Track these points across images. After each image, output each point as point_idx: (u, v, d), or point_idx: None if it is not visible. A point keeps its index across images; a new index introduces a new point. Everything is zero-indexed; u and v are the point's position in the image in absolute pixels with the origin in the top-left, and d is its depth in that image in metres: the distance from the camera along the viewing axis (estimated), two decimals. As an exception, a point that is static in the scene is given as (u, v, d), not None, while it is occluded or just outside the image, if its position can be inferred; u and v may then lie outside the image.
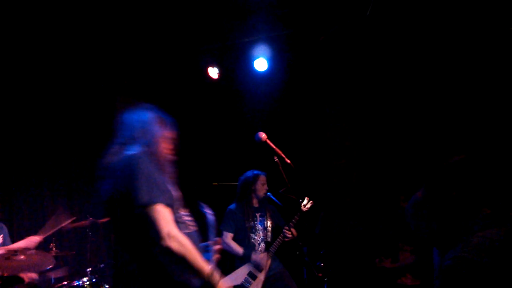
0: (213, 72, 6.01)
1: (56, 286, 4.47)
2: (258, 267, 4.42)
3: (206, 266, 2.14)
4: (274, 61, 5.93)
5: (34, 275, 4.41)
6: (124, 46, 5.70)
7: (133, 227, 2.14)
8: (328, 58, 6.09)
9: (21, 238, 4.51)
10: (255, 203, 4.72)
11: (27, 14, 4.73)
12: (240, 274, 4.41)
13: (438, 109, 5.82)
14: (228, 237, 4.58)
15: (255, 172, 4.67)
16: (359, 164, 6.45)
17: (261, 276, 4.39)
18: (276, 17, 5.18)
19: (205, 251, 3.01)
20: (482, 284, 1.46)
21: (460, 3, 4.85)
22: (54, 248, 4.61)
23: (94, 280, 4.52)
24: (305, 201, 4.53)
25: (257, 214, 4.69)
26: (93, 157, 5.88)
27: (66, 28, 5.10)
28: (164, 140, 2.45)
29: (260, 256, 4.46)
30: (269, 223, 4.69)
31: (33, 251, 4.16)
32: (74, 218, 4.64)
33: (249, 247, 4.55)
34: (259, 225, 4.66)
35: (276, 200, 4.53)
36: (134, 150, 2.25)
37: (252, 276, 4.40)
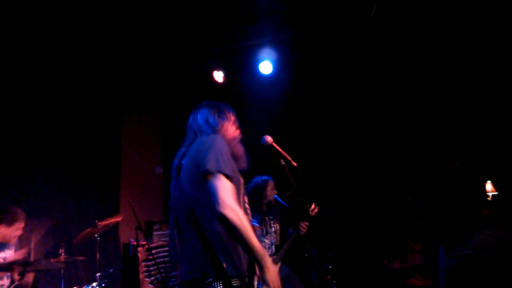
0: (219, 76, 6.02)
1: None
2: None
3: (259, 246, 2.15)
4: (279, 64, 5.93)
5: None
6: (130, 51, 5.73)
7: (199, 196, 2.21)
8: (333, 61, 6.09)
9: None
10: (264, 207, 4.72)
11: (32, 17, 4.78)
12: None
13: (443, 109, 5.81)
14: None
15: (264, 177, 4.66)
16: (366, 165, 6.43)
17: None
18: (280, 20, 5.19)
19: None
20: (487, 281, 1.46)
21: (462, 7, 4.84)
22: (63, 254, 4.63)
23: (103, 285, 4.54)
24: (312, 207, 4.52)
25: (266, 218, 4.69)
26: (100, 163, 6.00)
27: (71, 32, 5.15)
28: (227, 123, 2.55)
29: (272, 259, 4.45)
30: (278, 227, 4.69)
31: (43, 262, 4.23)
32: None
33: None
34: (269, 229, 4.66)
35: (283, 202, 4.52)
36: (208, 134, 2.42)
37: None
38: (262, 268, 2.17)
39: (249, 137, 2.77)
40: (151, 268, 5.30)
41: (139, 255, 5.29)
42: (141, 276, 5.25)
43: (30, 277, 4.36)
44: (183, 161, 2.39)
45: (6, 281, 4.21)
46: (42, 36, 5.12)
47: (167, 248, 5.33)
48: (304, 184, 3.49)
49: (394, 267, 5.31)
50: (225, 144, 2.31)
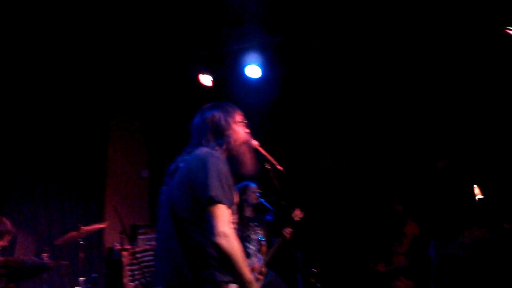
0: (207, 80, 6.01)
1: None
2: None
3: (248, 273, 2.17)
4: (267, 68, 5.93)
5: None
6: (117, 55, 5.70)
7: (189, 217, 2.21)
8: (321, 64, 6.11)
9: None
10: (250, 212, 4.72)
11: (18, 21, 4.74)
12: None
13: (430, 113, 5.86)
14: None
15: (244, 183, 4.67)
16: (352, 168, 6.47)
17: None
18: (268, 24, 5.20)
19: None
20: (471, 278, 1.50)
21: (450, 8, 4.89)
22: (46, 258, 4.57)
23: (87, 289, 4.49)
24: (296, 212, 4.53)
25: (252, 224, 4.69)
26: (86, 167, 5.95)
27: (57, 36, 5.10)
28: (236, 127, 2.51)
29: (255, 266, 4.45)
30: (263, 234, 4.70)
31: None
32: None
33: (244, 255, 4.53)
34: (254, 235, 4.66)
35: (269, 206, 4.53)
36: (207, 149, 2.36)
37: None
38: None
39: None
40: (135, 273, 5.26)
41: (124, 259, 5.24)
42: (125, 280, 5.20)
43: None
44: (180, 165, 2.37)
45: None
46: (27, 40, 5.07)
47: (152, 252, 5.30)
48: (289, 188, 3.50)
49: (378, 270, 5.34)
50: (223, 165, 2.28)
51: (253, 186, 4.70)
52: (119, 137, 6.52)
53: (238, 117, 2.56)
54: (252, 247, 4.61)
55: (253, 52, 5.66)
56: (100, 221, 5.99)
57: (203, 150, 2.35)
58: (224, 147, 2.43)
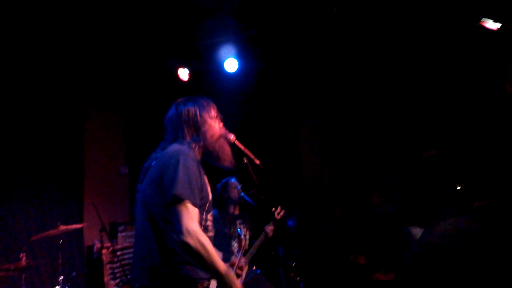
0: (184, 74, 5.98)
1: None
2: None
3: (221, 266, 2.16)
4: (244, 62, 5.93)
5: None
6: (94, 48, 5.62)
7: (162, 215, 2.19)
8: (299, 57, 6.12)
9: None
10: (235, 210, 4.70)
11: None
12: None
13: (410, 107, 5.92)
14: None
15: (223, 180, 4.65)
16: (331, 162, 6.50)
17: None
18: (244, 17, 5.18)
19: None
20: (449, 268, 1.51)
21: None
22: (24, 258, 4.50)
23: (66, 288, 4.44)
24: (278, 209, 4.53)
25: (238, 222, 4.68)
26: (63, 163, 5.87)
27: (35, 27, 5.01)
28: (212, 122, 2.49)
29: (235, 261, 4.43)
30: (247, 231, 4.68)
31: None
32: None
33: (229, 253, 4.53)
34: (239, 232, 4.65)
35: (250, 200, 4.52)
36: (181, 145, 2.33)
37: None
38: (228, 285, 2.19)
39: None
40: (116, 271, 5.22)
41: (104, 257, 5.19)
42: (106, 278, 5.16)
43: None
44: (152, 164, 2.36)
45: None
46: (4, 30, 4.96)
47: (132, 250, 5.26)
48: (268, 182, 3.50)
49: (359, 263, 5.38)
50: (194, 162, 2.26)
51: (233, 181, 4.69)
52: (96, 133, 6.43)
53: (213, 111, 2.53)
54: (236, 245, 4.60)
55: (230, 46, 5.64)
56: (79, 219, 5.93)
57: (174, 148, 2.32)
58: (200, 143, 2.41)
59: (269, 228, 4.39)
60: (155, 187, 2.24)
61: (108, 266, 5.19)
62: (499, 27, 4.63)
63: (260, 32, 5.46)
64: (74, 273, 4.88)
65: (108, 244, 5.18)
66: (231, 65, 5.86)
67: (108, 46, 5.60)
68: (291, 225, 4.60)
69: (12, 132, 5.48)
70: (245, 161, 3.02)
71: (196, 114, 2.44)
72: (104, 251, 5.17)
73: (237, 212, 4.70)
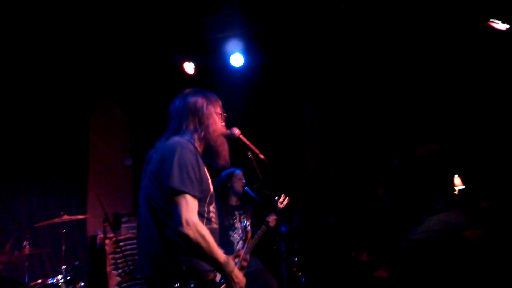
0: (189, 67, 5.98)
1: (31, 284, 4.41)
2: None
3: (221, 256, 2.19)
4: (250, 57, 5.92)
5: None
6: (100, 41, 5.62)
7: (163, 208, 2.22)
8: (305, 54, 6.10)
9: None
10: (235, 201, 4.70)
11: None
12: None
13: (413, 102, 5.89)
14: None
15: (230, 170, 4.65)
16: (336, 158, 6.49)
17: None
18: (251, 12, 5.16)
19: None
20: (435, 265, 1.51)
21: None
22: (27, 246, 4.54)
23: (69, 278, 4.47)
24: (281, 198, 4.52)
25: (237, 213, 4.68)
26: (68, 154, 5.89)
27: (40, 21, 5.01)
28: (217, 117, 2.50)
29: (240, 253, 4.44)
30: (248, 222, 4.69)
31: None
32: None
33: (228, 244, 4.53)
34: (239, 224, 4.65)
35: (253, 194, 4.52)
36: (182, 137, 2.33)
37: None
38: (227, 278, 2.23)
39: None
40: (118, 261, 5.24)
41: (107, 247, 5.21)
42: (108, 268, 5.18)
43: None
44: (153, 156, 2.36)
45: None
46: (5, 25, 4.96)
47: (135, 241, 5.28)
48: (272, 177, 3.50)
49: (361, 260, 5.38)
50: (192, 154, 2.27)
51: (238, 172, 4.68)
52: (101, 125, 6.46)
53: (219, 108, 2.54)
54: (236, 236, 4.60)
55: (236, 41, 5.63)
56: (83, 209, 5.96)
57: (173, 140, 2.33)
58: (202, 135, 2.41)
59: (271, 218, 4.38)
60: (154, 180, 2.26)
61: (110, 256, 5.22)
62: (507, 27, 4.60)
63: (266, 28, 5.44)
64: (76, 263, 4.90)
65: (111, 235, 5.20)
66: (237, 60, 5.85)
67: (114, 39, 5.60)
68: (284, 230, 4.59)
69: (18, 123, 5.52)
70: (250, 155, 3.01)
71: (203, 106, 2.44)
72: (107, 241, 5.19)
73: (237, 203, 4.70)
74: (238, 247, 4.55)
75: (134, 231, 5.46)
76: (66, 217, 4.68)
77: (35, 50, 5.47)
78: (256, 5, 4.99)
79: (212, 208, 2.41)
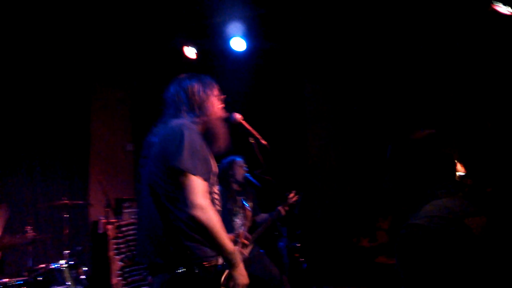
0: (191, 52, 5.95)
1: (34, 268, 4.43)
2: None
3: (229, 243, 2.18)
4: (252, 41, 5.87)
5: None
6: (100, 26, 5.58)
7: (167, 192, 2.19)
8: (307, 38, 6.05)
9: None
10: (236, 187, 4.71)
11: None
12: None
13: (416, 88, 5.86)
14: None
15: (231, 158, 4.64)
16: (338, 143, 6.48)
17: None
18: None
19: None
20: (435, 250, 1.50)
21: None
22: (30, 231, 4.55)
23: (71, 262, 4.48)
24: (291, 195, 4.54)
25: (239, 198, 4.68)
26: (69, 140, 5.88)
27: (39, 5, 4.97)
28: (214, 100, 2.48)
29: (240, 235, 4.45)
30: (250, 207, 4.68)
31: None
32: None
33: (230, 228, 4.54)
34: (244, 203, 4.65)
35: (254, 181, 4.51)
36: (183, 120, 2.31)
37: None
38: (231, 265, 2.21)
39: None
40: (121, 246, 5.27)
41: (109, 232, 5.24)
42: (110, 253, 5.22)
43: None
44: (153, 140, 2.34)
45: None
46: (5, 12, 4.93)
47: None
48: (273, 163, 3.48)
49: (363, 245, 5.40)
50: (197, 136, 2.25)
51: (239, 160, 4.68)
52: (102, 110, 6.44)
53: (216, 91, 2.52)
54: (238, 221, 4.61)
55: (238, 25, 5.58)
56: (85, 195, 5.97)
57: (176, 122, 2.30)
58: (200, 119, 2.39)
59: (285, 208, 4.40)
60: (159, 164, 2.23)
61: (113, 241, 5.25)
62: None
63: (268, 11, 5.38)
64: (79, 248, 4.92)
65: (114, 220, 5.23)
66: (238, 44, 5.80)
67: (114, 23, 5.55)
68: (282, 245, 4.61)
69: (19, 108, 5.49)
70: (251, 141, 2.99)
71: (199, 91, 2.42)
72: (109, 226, 5.22)
73: (238, 188, 4.70)
74: (240, 232, 4.55)
75: (136, 216, 5.47)
76: (68, 202, 4.69)
77: (36, 35, 5.43)
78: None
79: (215, 189, 2.41)
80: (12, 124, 5.42)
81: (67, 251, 4.60)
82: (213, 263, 2.27)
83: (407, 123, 5.72)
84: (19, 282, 4.06)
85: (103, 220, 5.28)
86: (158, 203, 2.22)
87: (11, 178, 5.40)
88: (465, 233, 1.52)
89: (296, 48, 6.24)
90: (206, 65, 6.12)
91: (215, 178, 2.40)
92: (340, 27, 5.70)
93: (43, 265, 4.42)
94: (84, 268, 4.56)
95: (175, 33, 5.81)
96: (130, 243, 5.21)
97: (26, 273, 4.34)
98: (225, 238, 2.16)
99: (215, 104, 2.48)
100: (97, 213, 5.71)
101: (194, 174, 2.12)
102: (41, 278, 4.29)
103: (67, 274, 4.38)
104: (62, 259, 4.50)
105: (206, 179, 2.19)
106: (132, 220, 5.45)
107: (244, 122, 2.74)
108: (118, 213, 5.47)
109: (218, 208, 2.39)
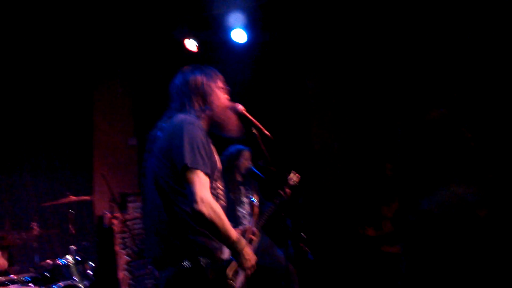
0: (192, 44, 5.92)
1: (40, 264, 4.45)
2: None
3: (233, 232, 2.18)
4: (253, 32, 5.84)
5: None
6: (102, 19, 5.57)
7: (172, 186, 2.20)
8: (309, 28, 6.02)
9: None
10: (239, 177, 4.69)
11: None
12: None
13: (420, 74, 5.82)
14: None
15: (239, 147, 4.62)
16: (342, 132, 6.46)
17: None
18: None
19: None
20: (442, 237, 1.48)
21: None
22: (35, 227, 4.56)
23: (78, 257, 4.50)
24: (291, 175, 4.47)
25: (242, 187, 4.67)
26: (72, 135, 5.89)
27: (40, 4, 4.96)
28: (219, 92, 2.47)
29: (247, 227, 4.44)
30: (255, 198, 4.67)
31: None
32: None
33: (234, 219, 4.53)
34: (245, 198, 4.64)
35: (258, 172, 4.49)
36: (187, 115, 2.30)
37: None
38: (239, 258, 2.22)
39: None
40: (126, 240, 5.28)
41: (114, 227, 5.26)
42: (116, 248, 5.23)
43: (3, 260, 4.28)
44: (158, 134, 2.34)
45: None
46: (8, 8, 4.92)
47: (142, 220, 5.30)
48: (277, 153, 3.47)
49: (368, 234, 5.39)
50: (200, 130, 2.25)
51: (246, 151, 4.64)
52: (105, 104, 6.43)
53: (220, 82, 2.51)
54: (243, 210, 4.60)
55: (239, 16, 5.56)
56: (89, 189, 5.98)
57: (180, 117, 2.30)
58: (207, 112, 2.39)
59: (286, 191, 4.32)
60: (164, 158, 2.23)
61: (119, 236, 5.26)
62: None
63: (269, 1, 5.35)
64: (85, 243, 4.94)
65: (118, 214, 5.23)
66: (240, 35, 5.78)
67: (116, 16, 5.53)
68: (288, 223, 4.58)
69: (22, 104, 5.50)
70: (254, 132, 2.98)
71: (203, 83, 2.41)
72: (114, 221, 5.23)
73: (241, 179, 4.68)
74: (245, 222, 4.55)
75: (141, 210, 5.48)
76: (72, 198, 4.70)
77: (38, 31, 5.42)
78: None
79: (219, 184, 2.41)
80: (16, 121, 5.45)
81: (74, 247, 4.62)
82: (219, 255, 2.27)
83: (411, 109, 5.68)
84: (26, 278, 4.08)
85: (108, 215, 5.29)
86: (163, 197, 2.22)
87: (15, 174, 5.42)
88: (476, 224, 1.50)
89: (298, 37, 6.21)
90: (207, 56, 6.10)
91: (219, 174, 2.40)
92: (342, 15, 5.67)
93: (50, 261, 4.44)
94: (90, 263, 4.57)
95: (177, 25, 5.78)
96: (136, 237, 5.22)
97: (32, 269, 4.36)
98: (230, 229, 2.16)
99: (220, 96, 2.47)
100: (102, 207, 5.72)
101: (196, 169, 2.12)
102: (48, 274, 4.31)
103: (74, 269, 4.41)
104: (68, 254, 4.52)
105: (209, 173, 2.18)
106: (137, 214, 5.46)
107: (246, 113, 2.72)
108: (123, 208, 5.48)
109: (223, 203, 2.39)
